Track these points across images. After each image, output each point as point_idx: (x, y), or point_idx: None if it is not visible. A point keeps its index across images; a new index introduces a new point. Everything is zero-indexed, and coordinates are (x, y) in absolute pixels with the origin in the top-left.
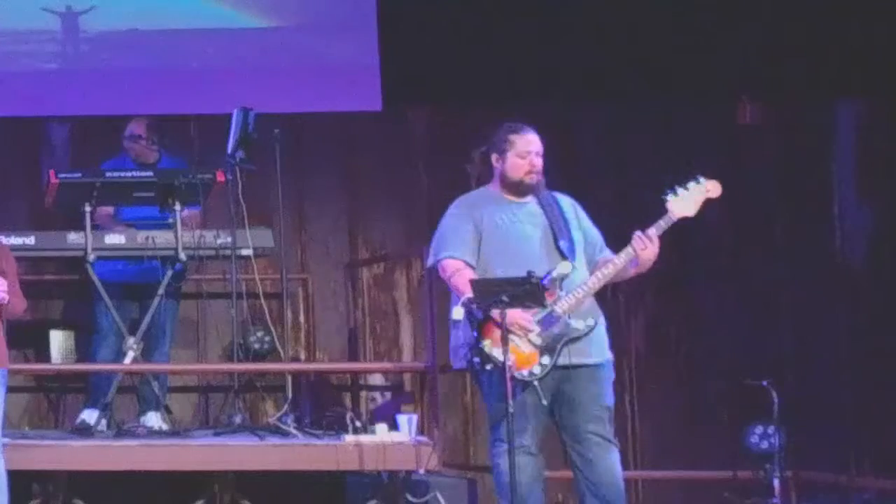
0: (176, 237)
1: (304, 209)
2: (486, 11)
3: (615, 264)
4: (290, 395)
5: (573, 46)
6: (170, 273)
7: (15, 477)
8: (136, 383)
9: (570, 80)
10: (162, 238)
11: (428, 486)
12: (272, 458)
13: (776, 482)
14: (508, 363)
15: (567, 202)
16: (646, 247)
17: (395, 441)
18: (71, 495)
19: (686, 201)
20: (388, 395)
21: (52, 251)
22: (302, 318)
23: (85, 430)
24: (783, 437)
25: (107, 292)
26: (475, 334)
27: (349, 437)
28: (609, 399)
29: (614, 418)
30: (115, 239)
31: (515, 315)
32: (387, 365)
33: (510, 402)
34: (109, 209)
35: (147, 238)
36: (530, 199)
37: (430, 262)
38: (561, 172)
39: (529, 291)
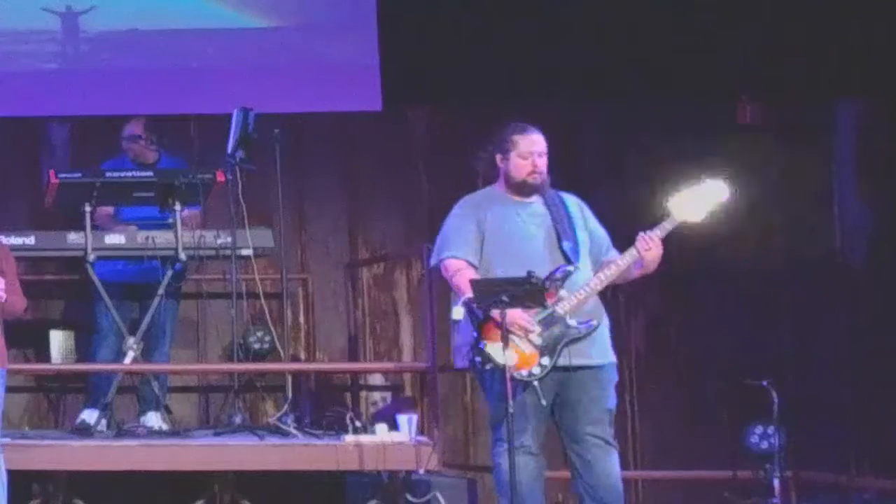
0: (176, 237)
1: (304, 209)
2: (486, 11)
3: (618, 265)
4: (290, 395)
5: (573, 46)
6: (170, 273)
7: (15, 477)
8: (136, 383)
9: (571, 80)
10: (162, 238)
11: (428, 486)
12: (272, 458)
13: (776, 482)
14: (508, 363)
15: (574, 202)
16: (650, 248)
17: (395, 441)
18: (71, 495)
19: (691, 203)
20: (388, 395)
21: (52, 251)
22: (302, 318)
23: (85, 430)
24: (783, 437)
25: (107, 292)
26: (475, 334)
27: (349, 437)
28: (611, 402)
29: (614, 418)
30: (115, 239)
31: (515, 315)
32: (387, 365)
33: (510, 402)
34: (109, 209)
35: (147, 238)
36: (535, 199)
37: (433, 261)
38: (561, 172)
39: (529, 291)
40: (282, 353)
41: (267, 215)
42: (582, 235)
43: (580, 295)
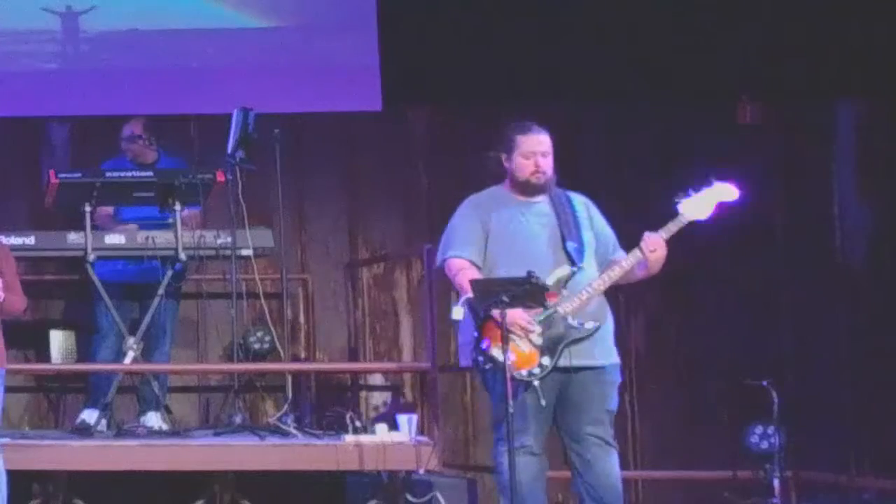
0: (176, 237)
1: (304, 209)
2: (486, 11)
3: (622, 266)
4: (290, 395)
5: (573, 46)
6: (170, 273)
7: (15, 477)
8: (136, 383)
9: (571, 80)
10: (162, 238)
11: (428, 486)
12: (272, 458)
13: (776, 482)
14: (508, 363)
15: (580, 201)
16: (655, 248)
17: (395, 441)
18: (71, 495)
19: (698, 204)
20: (388, 396)
21: (52, 251)
22: (302, 318)
23: (85, 430)
24: (783, 437)
25: (107, 292)
26: (476, 334)
27: (349, 437)
28: (612, 403)
29: (614, 418)
30: (115, 239)
31: (516, 315)
32: (387, 365)
33: (510, 401)
34: (109, 209)
35: (147, 238)
36: (541, 199)
37: (437, 261)
38: (561, 172)
39: (530, 291)
40: (282, 354)
41: (267, 215)
42: (587, 236)
43: (583, 295)
